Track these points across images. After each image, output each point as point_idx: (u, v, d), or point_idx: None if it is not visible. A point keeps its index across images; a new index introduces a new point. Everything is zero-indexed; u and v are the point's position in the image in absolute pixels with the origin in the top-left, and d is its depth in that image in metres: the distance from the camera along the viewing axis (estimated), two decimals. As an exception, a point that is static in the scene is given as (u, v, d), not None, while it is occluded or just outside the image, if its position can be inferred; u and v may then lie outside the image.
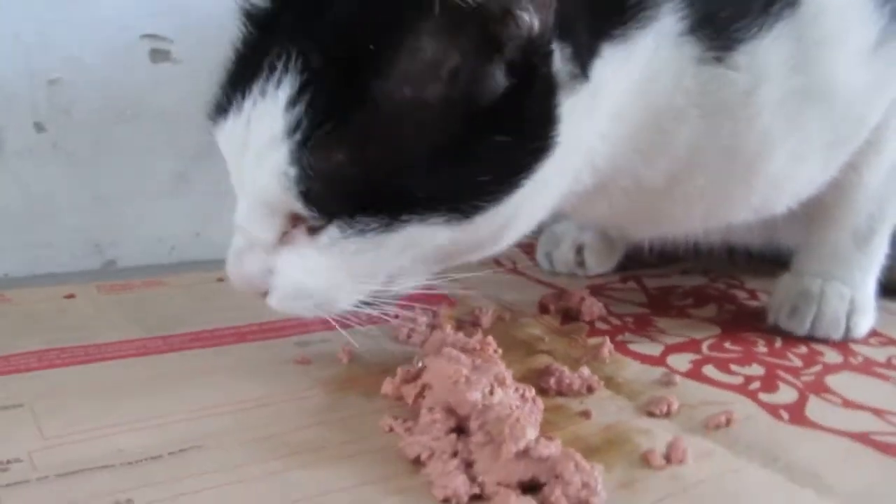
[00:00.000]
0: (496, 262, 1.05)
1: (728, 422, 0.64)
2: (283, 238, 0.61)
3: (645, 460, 0.58)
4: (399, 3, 0.55)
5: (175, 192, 1.07)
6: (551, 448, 0.54)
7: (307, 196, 0.57)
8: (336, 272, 0.62)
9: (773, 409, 0.68)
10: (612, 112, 0.65)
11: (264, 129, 0.57)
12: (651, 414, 0.66)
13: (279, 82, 0.56)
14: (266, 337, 0.80)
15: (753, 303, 0.95)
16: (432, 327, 0.78)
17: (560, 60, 0.59)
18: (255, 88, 0.58)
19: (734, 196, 0.75)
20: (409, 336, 0.78)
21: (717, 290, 0.99)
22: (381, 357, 0.74)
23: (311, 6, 0.59)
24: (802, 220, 0.85)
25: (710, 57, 0.66)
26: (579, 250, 1.03)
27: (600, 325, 0.86)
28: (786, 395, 0.71)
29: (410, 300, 0.84)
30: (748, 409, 0.67)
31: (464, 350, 0.66)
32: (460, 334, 0.71)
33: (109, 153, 1.02)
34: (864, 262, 0.85)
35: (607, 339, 0.78)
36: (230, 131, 0.60)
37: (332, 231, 0.59)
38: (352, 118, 0.56)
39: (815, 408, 0.68)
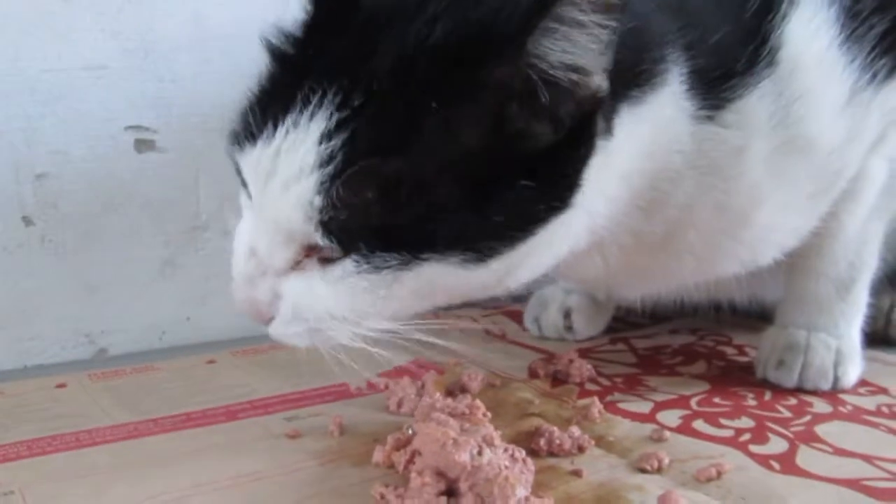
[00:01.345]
0: (486, 331, 1.06)
1: (719, 474, 0.64)
2: (295, 266, 0.62)
3: (637, 515, 0.58)
4: (475, 55, 0.57)
5: (164, 278, 1.08)
6: (542, 506, 0.54)
7: (329, 228, 0.58)
8: (340, 305, 0.62)
9: (763, 460, 0.68)
10: (621, 174, 0.66)
11: (295, 159, 0.58)
12: (642, 470, 0.66)
13: (313, 115, 0.58)
14: (257, 413, 0.80)
15: (742, 358, 0.96)
16: (421, 396, 0.78)
17: (600, 121, 0.61)
18: (289, 119, 0.59)
19: (723, 249, 0.77)
20: (399, 405, 0.78)
21: (705, 348, 1.00)
22: (371, 427, 0.75)
23: (355, 46, 0.60)
24: (786, 273, 0.87)
25: (703, 115, 0.68)
26: (567, 314, 1.04)
27: (590, 387, 0.86)
28: (776, 445, 0.71)
29: (399, 373, 0.86)
30: (739, 460, 0.68)
31: (452, 414, 0.67)
32: (449, 400, 0.72)
33: (97, 243, 1.03)
34: (847, 311, 0.86)
35: (596, 399, 0.78)
36: (258, 157, 0.60)
37: (347, 265, 0.60)
38: (390, 160, 0.57)
39: (807, 457, 0.69)
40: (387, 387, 0.83)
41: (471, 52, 0.57)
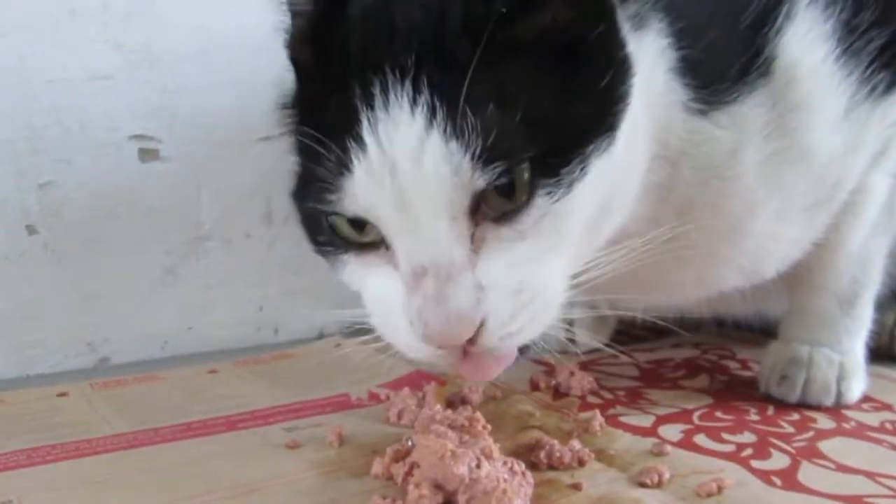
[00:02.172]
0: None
1: (719, 489, 0.64)
2: (475, 247, 0.58)
3: (636, 529, 0.58)
4: None
5: (166, 287, 1.08)
6: (540, 519, 0.54)
7: (486, 156, 0.54)
8: (542, 256, 0.59)
9: (765, 476, 0.67)
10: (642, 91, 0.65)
11: (403, 136, 0.55)
12: (643, 484, 0.65)
13: (386, 101, 0.56)
14: (257, 424, 0.80)
15: (745, 373, 0.96)
16: (422, 407, 0.78)
17: None
18: (364, 123, 0.56)
19: (723, 257, 0.77)
20: (399, 417, 0.78)
21: (708, 362, 1.00)
22: (371, 438, 0.74)
23: (379, 39, 0.58)
24: (789, 288, 0.86)
25: (696, 108, 0.68)
26: (570, 327, 1.03)
27: (592, 399, 0.86)
28: (778, 461, 0.70)
29: (398, 384, 0.85)
30: (740, 475, 0.67)
31: (452, 426, 0.67)
32: (448, 411, 0.71)
33: (100, 252, 1.04)
34: (850, 326, 0.86)
35: (597, 412, 0.78)
36: (367, 174, 0.57)
37: (540, 203, 0.57)
38: (475, 79, 0.55)
39: (808, 473, 0.68)
40: (387, 398, 0.83)
41: None
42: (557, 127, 0.57)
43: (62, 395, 0.90)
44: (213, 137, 1.08)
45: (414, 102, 0.55)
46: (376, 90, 0.56)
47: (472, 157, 0.54)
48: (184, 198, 1.08)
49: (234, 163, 1.10)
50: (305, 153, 0.62)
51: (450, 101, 0.54)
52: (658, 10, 0.67)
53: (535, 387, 0.88)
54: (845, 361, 0.84)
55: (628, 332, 1.10)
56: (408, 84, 0.55)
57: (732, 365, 0.98)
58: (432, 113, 0.54)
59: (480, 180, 0.55)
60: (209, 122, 1.08)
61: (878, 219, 0.82)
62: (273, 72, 1.06)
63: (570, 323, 1.02)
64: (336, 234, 0.62)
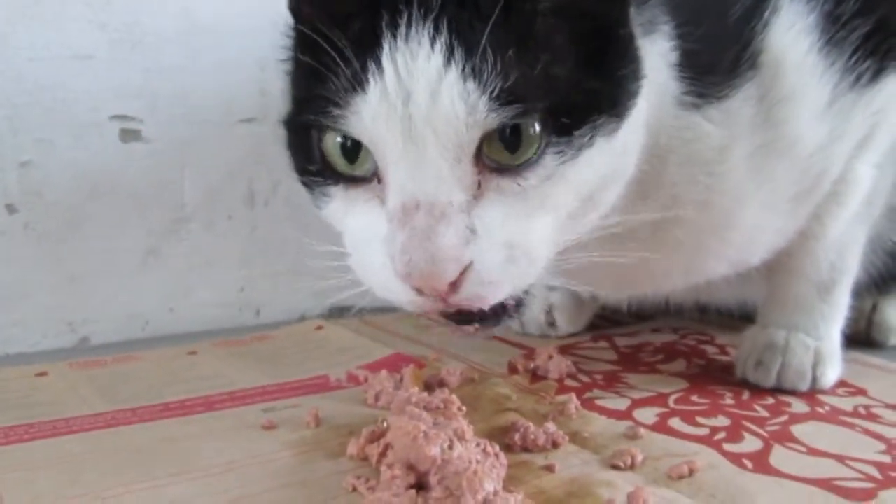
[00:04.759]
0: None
1: (691, 472, 0.65)
2: (477, 194, 0.57)
3: (607, 511, 0.58)
4: None
5: (147, 268, 1.08)
6: (510, 501, 0.54)
7: (502, 97, 0.54)
8: (539, 212, 0.59)
9: (736, 459, 0.68)
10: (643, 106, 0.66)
11: (420, 68, 0.55)
12: (615, 467, 0.66)
13: (407, 33, 0.55)
14: (235, 405, 0.80)
15: (723, 357, 0.96)
16: (399, 390, 0.78)
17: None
18: (387, 46, 0.56)
19: (711, 250, 0.78)
20: (376, 399, 0.78)
21: (687, 346, 1.00)
22: (348, 420, 0.75)
23: None
24: (767, 274, 0.87)
25: (689, 102, 0.69)
26: (549, 311, 1.04)
27: (570, 383, 0.86)
28: (750, 444, 0.71)
29: (377, 366, 0.86)
30: (712, 458, 0.68)
31: (427, 408, 0.67)
32: (424, 394, 0.72)
33: (81, 232, 1.04)
34: (827, 312, 0.86)
35: (573, 395, 0.78)
36: (380, 98, 0.56)
37: (548, 161, 0.57)
38: (497, 26, 0.55)
39: (780, 456, 0.69)
40: (366, 380, 0.83)
41: None
42: (575, 90, 0.58)
43: (41, 374, 0.90)
44: (195, 119, 1.08)
45: (433, 41, 0.55)
46: (402, 20, 0.56)
47: (489, 97, 0.54)
48: (166, 179, 1.08)
49: (217, 144, 1.10)
50: (311, 73, 0.59)
51: (470, 43, 0.54)
52: (665, 14, 0.68)
53: (513, 370, 0.89)
54: (821, 347, 0.85)
55: (608, 317, 1.10)
56: (430, 23, 0.55)
57: (710, 350, 0.99)
58: (451, 52, 0.54)
59: (495, 120, 0.55)
60: (192, 104, 1.08)
61: (859, 208, 0.83)
62: (257, 53, 1.07)
63: (550, 309, 1.04)
64: (325, 162, 0.61)
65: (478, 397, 0.79)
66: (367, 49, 0.56)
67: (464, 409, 0.70)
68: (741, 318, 1.00)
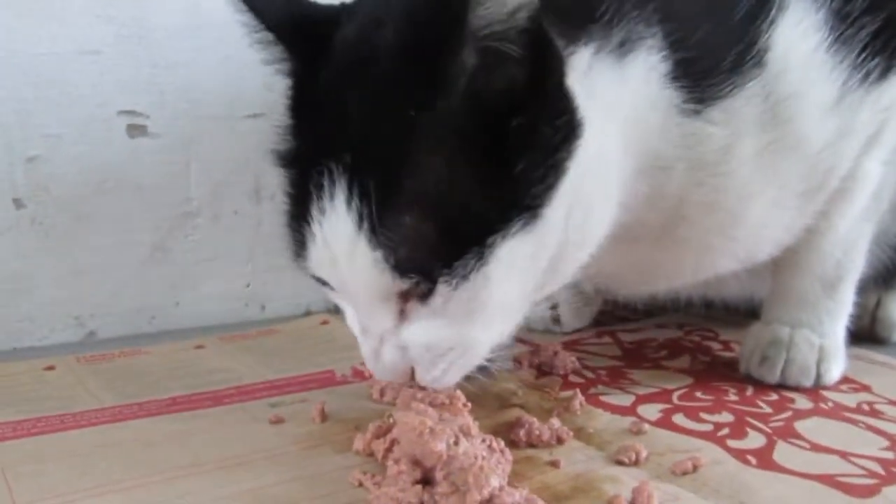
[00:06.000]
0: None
1: (695, 467, 0.65)
2: (401, 318, 0.64)
3: (611, 505, 0.59)
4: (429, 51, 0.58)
5: (154, 262, 1.09)
6: (516, 496, 0.55)
7: (401, 268, 0.59)
8: (461, 323, 0.63)
9: (740, 454, 0.68)
10: (621, 122, 0.67)
11: (340, 236, 0.60)
12: (619, 462, 0.66)
13: (331, 195, 0.60)
14: (242, 399, 0.81)
15: (727, 353, 0.96)
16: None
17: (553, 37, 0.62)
18: (315, 212, 0.61)
19: (718, 247, 0.78)
20: (382, 394, 0.78)
21: (691, 342, 1.01)
22: (355, 415, 0.75)
23: (332, 125, 0.62)
24: (773, 269, 0.87)
25: (690, 109, 0.69)
26: (554, 307, 1.04)
27: (574, 379, 0.87)
28: (754, 440, 0.71)
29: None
30: (716, 454, 0.68)
31: (432, 404, 0.67)
32: (430, 389, 0.72)
33: (88, 227, 1.04)
34: (832, 308, 0.86)
35: (578, 391, 0.79)
36: (318, 258, 0.63)
37: (441, 290, 0.61)
38: (403, 184, 0.59)
39: (783, 452, 0.69)
40: (371, 375, 0.84)
41: (424, 51, 0.58)
42: (465, 225, 0.60)
43: (49, 368, 0.91)
44: (202, 114, 1.08)
45: (347, 205, 0.59)
46: (325, 181, 0.60)
47: (394, 268, 0.59)
48: (172, 174, 1.08)
49: (223, 139, 1.10)
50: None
51: (375, 207, 0.58)
52: (651, 26, 0.67)
53: (518, 365, 0.89)
54: (825, 343, 0.85)
55: (613, 313, 1.11)
56: (344, 182, 0.59)
57: (715, 346, 0.99)
58: (360, 217, 0.59)
59: (401, 283, 0.60)
60: (198, 99, 1.08)
61: (867, 205, 0.83)
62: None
63: (555, 304, 1.04)
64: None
65: (483, 393, 0.79)
66: (306, 210, 0.62)
67: (469, 404, 0.70)
68: (746, 314, 1.00)
